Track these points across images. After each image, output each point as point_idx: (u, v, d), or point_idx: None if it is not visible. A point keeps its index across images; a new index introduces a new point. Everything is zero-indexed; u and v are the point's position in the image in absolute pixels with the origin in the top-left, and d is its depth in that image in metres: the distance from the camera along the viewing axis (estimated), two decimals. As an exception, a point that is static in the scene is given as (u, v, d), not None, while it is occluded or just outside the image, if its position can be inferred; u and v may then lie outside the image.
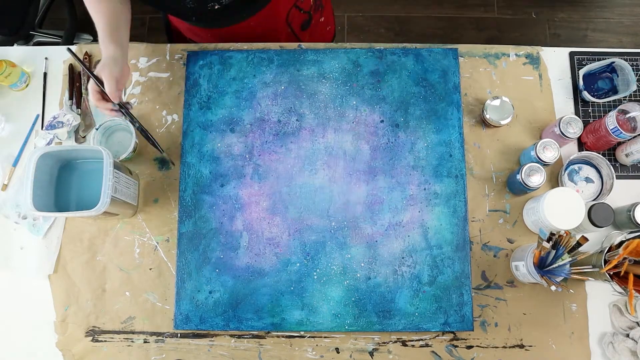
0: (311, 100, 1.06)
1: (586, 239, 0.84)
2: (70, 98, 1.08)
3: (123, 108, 0.92)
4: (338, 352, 0.97)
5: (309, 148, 1.03)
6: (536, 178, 0.94)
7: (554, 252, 0.87)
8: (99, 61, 1.09)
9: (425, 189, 1.01)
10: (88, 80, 0.96)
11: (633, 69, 1.03)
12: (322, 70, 1.07)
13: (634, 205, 0.94)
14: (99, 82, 0.89)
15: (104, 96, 0.90)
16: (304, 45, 1.11)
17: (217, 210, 1.00)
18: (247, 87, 1.06)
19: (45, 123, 1.04)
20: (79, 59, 0.92)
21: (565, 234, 0.85)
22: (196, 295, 0.97)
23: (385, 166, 1.02)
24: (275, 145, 1.03)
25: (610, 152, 1.05)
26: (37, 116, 1.08)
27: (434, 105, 1.05)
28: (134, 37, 1.13)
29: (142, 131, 0.95)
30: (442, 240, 0.99)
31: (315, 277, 0.97)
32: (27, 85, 1.11)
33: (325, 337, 0.97)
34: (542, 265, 0.89)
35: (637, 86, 1.05)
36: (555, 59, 1.10)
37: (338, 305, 0.96)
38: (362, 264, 0.98)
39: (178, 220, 1.00)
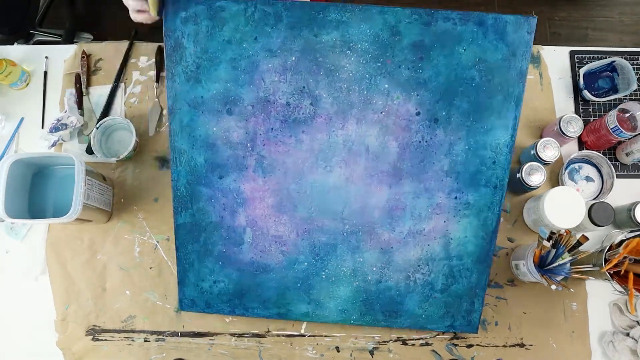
0: (330, 78, 0.85)
1: (586, 238, 0.84)
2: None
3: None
4: (338, 351, 0.97)
5: (325, 141, 0.88)
6: (536, 177, 0.94)
7: (554, 251, 0.86)
8: (99, 60, 1.10)
9: (456, 197, 0.89)
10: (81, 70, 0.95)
11: (633, 68, 1.03)
12: (348, 36, 0.84)
13: (634, 204, 0.94)
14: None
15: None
16: None
17: (217, 204, 0.91)
18: (247, 54, 0.85)
19: (49, 125, 1.04)
20: None
21: (565, 233, 0.85)
22: (200, 283, 0.94)
23: (413, 169, 0.88)
24: (284, 135, 0.88)
25: (611, 151, 1.05)
26: (22, 119, 1.08)
27: (488, 98, 0.85)
28: (134, 36, 1.13)
29: None
30: (464, 252, 0.91)
31: (324, 276, 0.93)
32: (27, 84, 1.10)
33: (325, 336, 0.97)
34: (542, 264, 0.89)
35: (638, 85, 1.05)
36: (556, 58, 1.10)
37: (345, 302, 0.93)
38: (374, 268, 0.92)
39: (174, 211, 0.93)
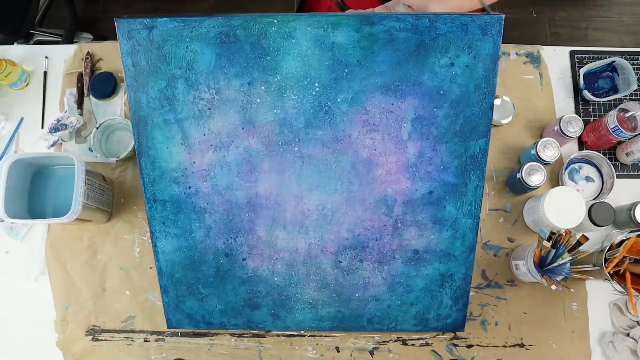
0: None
1: (586, 238, 0.84)
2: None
3: None
4: (338, 351, 0.97)
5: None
6: (536, 177, 0.94)
7: (554, 251, 0.87)
8: (99, 60, 1.10)
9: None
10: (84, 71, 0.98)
11: (634, 68, 1.03)
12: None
13: (635, 204, 0.94)
14: None
15: None
16: None
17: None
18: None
19: (49, 125, 1.04)
20: None
21: (565, 233, 0.85)
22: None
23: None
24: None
25: (611, 151, 1.05)
26: (22, 119, 1.08)
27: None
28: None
29: None
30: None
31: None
32: (27, 84, 1.10)
33: (325, 336, 0.97)
34: (542, 264, 0.89)
35: (638, 85, 1.05)
36: (556, 58, 1.10)
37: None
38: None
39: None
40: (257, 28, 0.79)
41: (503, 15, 0.78)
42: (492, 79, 0.80)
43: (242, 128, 0.84)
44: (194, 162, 0.85)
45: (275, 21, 0.78)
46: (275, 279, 0.91)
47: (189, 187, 0.86)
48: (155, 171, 0.86)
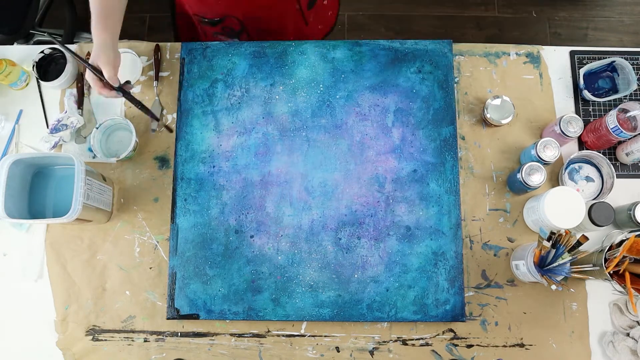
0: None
1: (586, 238, 0.84)
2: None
3: (123, 90, 0.94)
4: (338, 351, 0.97)
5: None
6: (536, 177, 0.94)
7: (554, 251, 0.87)
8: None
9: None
10: (84, 72, 1.00)
11: (634, 68, 1.03)
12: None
13: (635, 204, 0.94)
14: (97, 71, 0.90)
15: (104, 83, 0.92)
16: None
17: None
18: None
19: (50, 126, 1.04)
20: (72, 53, 0.94)
21: (565, 233, 0.85)
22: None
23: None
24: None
25: (611, 151, 1.05)
26: (21, 111, 1.08)
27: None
28: (134, 36, 1.13)
29: (143, 108, 0.99)
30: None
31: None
32: (27, 84, 1.10)
33: (325, 336, 0.97)
34: (542, 264, 0.89)
35: (638, 85, 1.05)
36: (556, 58, 1.10)
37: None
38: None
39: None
40: (280, 48, 1.08)
41: (451, 40, 1.07)
42: (451, 82, 1.05)
43: (263, 117, 1.05)
44: (221, 145, 1.03)
45: (293, 44, 1.09)
46: (279, 257, 0.99)
47: (213, 166, 1.02)
48: (187, 152, 1.03)
